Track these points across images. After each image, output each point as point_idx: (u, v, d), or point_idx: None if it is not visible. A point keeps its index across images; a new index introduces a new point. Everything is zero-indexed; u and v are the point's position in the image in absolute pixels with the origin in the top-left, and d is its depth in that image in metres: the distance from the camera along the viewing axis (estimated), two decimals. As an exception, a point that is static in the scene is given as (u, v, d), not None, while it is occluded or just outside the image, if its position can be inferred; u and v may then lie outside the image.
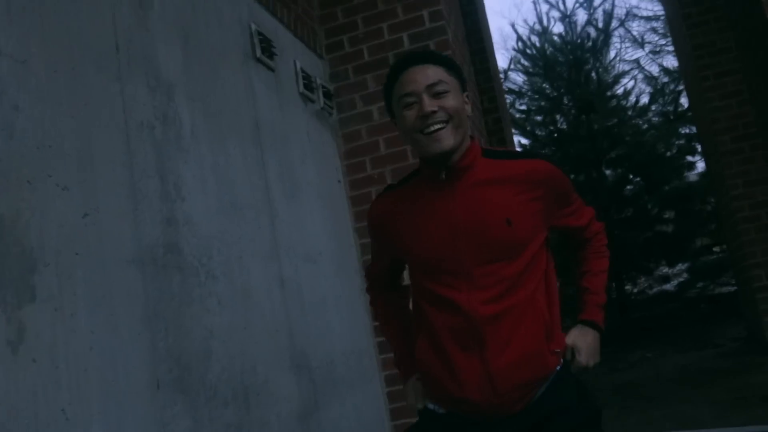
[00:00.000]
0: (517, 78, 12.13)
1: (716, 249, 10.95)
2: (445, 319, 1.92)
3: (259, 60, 3.62)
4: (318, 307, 3.66)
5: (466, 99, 1.98)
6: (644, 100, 11.49)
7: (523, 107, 11.60)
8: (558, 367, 1.96)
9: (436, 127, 1.86)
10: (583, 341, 2.05)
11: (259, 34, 3.65)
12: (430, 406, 2.06)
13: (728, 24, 6.90)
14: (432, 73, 1.89)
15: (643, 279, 11.25)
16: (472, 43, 7.30)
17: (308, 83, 4.21)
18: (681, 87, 10.31)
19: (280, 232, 3.42)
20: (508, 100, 11.81)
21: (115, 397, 2.08)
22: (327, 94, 4.50)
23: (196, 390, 2.48)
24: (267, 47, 3.71)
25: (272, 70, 3.78)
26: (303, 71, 4.17)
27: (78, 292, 2.02)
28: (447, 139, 1.86)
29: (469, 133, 1.96)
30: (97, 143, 2.25)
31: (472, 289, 1.88)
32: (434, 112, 1.85)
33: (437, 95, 1.87)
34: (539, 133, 11.21)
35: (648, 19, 11.55)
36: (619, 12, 13.25)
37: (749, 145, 6.87)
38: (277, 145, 3.62)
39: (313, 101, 4.29)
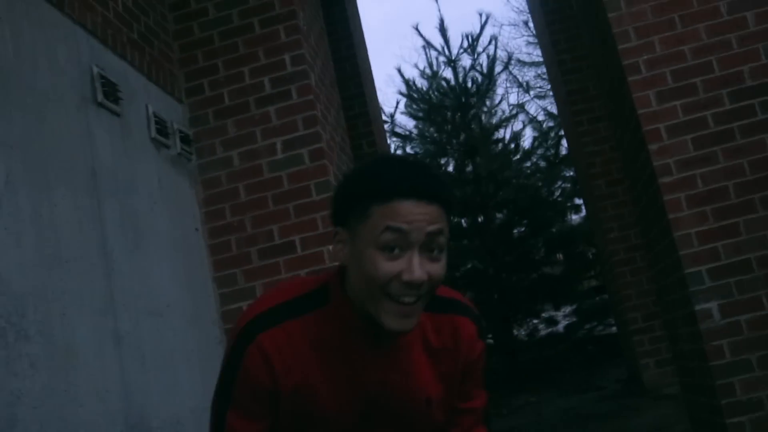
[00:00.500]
0: (408, 122, 12.24)
1: (602, 291, 11.19)
2: None
3: (101, 104, 3.47)
4: (163, 362, 3.49)
5: None
6: (527, 143, 11.76)
7: (412, 151, 11.68)
8: None
9: (411, 300, 1.35)
10: None
11: (102, 77, 3.51)
12: None
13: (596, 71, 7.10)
14: (437, 217, 1.35)
15: (533, 322, 11.37)
16: (351, 87, 7.31)
17: (162, 128, 4.07)
18: (562, 132, 10.57)
19: (118, 285, 3.25)
20: (396, 143, 11.89)
21: None
22: (185, 139, 4.37)
23: (-4, 463, 2.29)
24: (111, 91, 3.56)
25: (117, 114, 3.63)
26: (156, 116, 4.03)
27: None
28: (414, 318, 1.39)
29: None
30: None
31: None
32: (422, 284, 1.34)
33: (431, 253, 1.35)
34: (427, 177, 11.24)
35: (533, 64, 11.86)
36: (502, 56, 13.57)
37: (622, 189, 7.02)
38: (119, 193, 3.46)
39: (168, 147, 4.15)
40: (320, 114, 4.48)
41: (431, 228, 1.33)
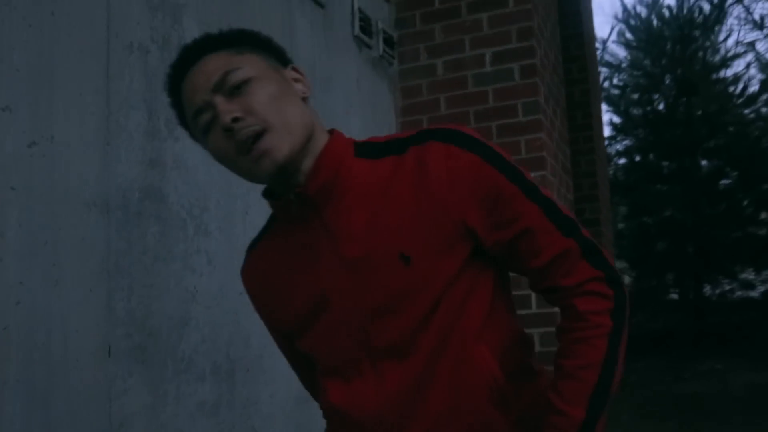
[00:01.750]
0: (619, 51, 11.46)
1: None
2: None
3: (305, -7, 3.25)
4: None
5: (294, 74, 1.31)
6: (754, 88, 10.64)
7: (620, 83, 10.92)
8: None
9: (248, 137, 1.18)
10: None
11: (309, -38, 3.28)
12: None
13: None
14: (214, 66, 1.22)
15: (725, 282, 10.54)
16: (567, 4, 6.78)
17: (366, 26, 3.82)
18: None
19: (305, 188, 3.07)
20: (605, 74, 11.17)
21: (45, 362, 1.77)
22: (388, 41, 4.11)
23: (162, 361, 2.17)
24: (318, -21, 3.33)
25: (321, 6, 3.40)
26: (361, 12, 3.78)
27: (8, 234, 1.71)
28: (275, 149, 1.19)
29: (318, 127, 1.28)
30: (62, 61, 1.92)
31: (370, 373, 1.27)
32: (237, 119, 1.18)
33: (234, 93, 1.20)
34: (634, 112, 10.54)
35: (771, 0, 10.68)
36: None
37: None
38: (315, 90, 3.23)
39: (369, 47, 3.90)
40: (536, 26, 4.08)
41: (213, 79, 1.20)
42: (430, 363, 1.23)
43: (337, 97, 3.46)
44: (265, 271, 1.39)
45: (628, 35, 10.61)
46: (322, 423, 1.43)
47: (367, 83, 3.83)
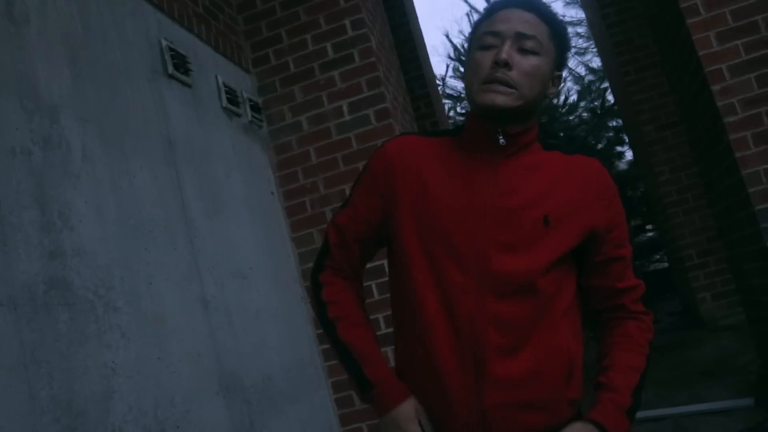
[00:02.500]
0: (457, 84, 11.79)
1: (648, 228, 10.67)
2: (441, 316, 1.37)
3: (171, 76, 3.17)
4: (250, 323, 3.23)
5: (554, 79, 1.46)
6: (573, 97, 11.17)
7: (462, 110, 11.24)
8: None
9: (500, 76, 1.35)
10: None
11: (171, 50, 3.21)
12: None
13: (645, 21, 6.64)
14: (532, 24, 1.39)
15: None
16: (406, 52, 6.94)
17: (232, 98, 3.77)
18: (606, 84, 10.02)
19: (201, 251, 2.98)
20: (448, 104, 11.46)
21: (-25, 464, 1.64)
22: (255, 107, 4.07)
23: (94, 437, 2.05)
24: (181, 63, 3.27)
25: (188, 86, 3.34)
26: (226, 86, 3.74)
27: None
28: (505, 96, 1.35)
29: (535, 115, 1.48)
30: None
31: (484, 286, 1.36)
32: (508, 65, 1.35)
33: (523, 52, 1.37)
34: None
35: (571, 24, 11.25)
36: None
37: (672, 133, 6.65)
38: (195, 162, 3.19)
39: (239, 115, 3.86)
40: (383, 75, 4.14)
41: (520, 27, 1.38)
42: (531, 318, 1.36)
43: (218, 164, 3.40)
44: (420, 154, 1.48)
45: (461, 69, 10.97)
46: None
47: (242, 147, 3.78)
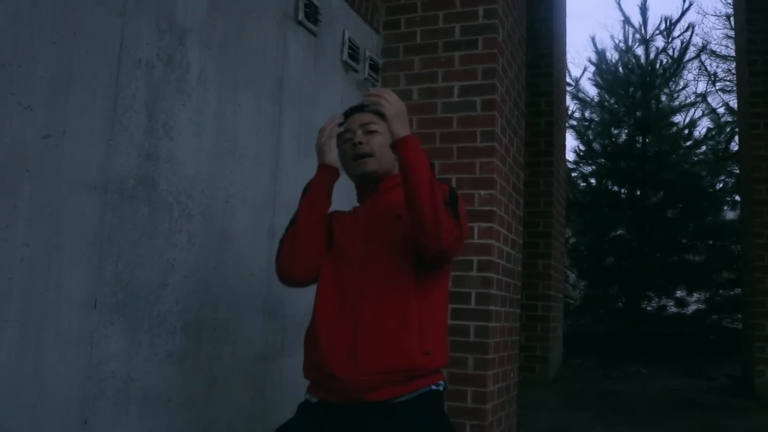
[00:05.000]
0: (590, 90, 11.67)
1: (738, 286, 10.39)
2: (329, 293, 2.04)
3: (300, 23, 3.44)
4: (308, 261, 3.51)
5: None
6: (701, 133, 10.87)
7: (587, 117, 11.12)
8: (432, 387, 1.93)
9: (360, 152, 2.02)
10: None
11: (307, -2, 3.47)
12: (306, 396, 2.04)
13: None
14: (366, 118, 2.04)
15: (664, 299, 10.73)
16: (542, 47, 6.99)
17: (354, 53, 4.02)
18: (737, 129, 9.71)
19: (283, 186, 3.28)
20: (576, 108, 11.36)
21: (39, 308, 1.99)
22: (374, 67, 4.31)
23: (140, 316, 2.39)
24: (312, 12, 3.53)
25: (314, 34, 3.60)
26: (351, 41, 3.98)
27: (19, 206, 1.92)
28: (366, 166, 2.03)
29: (392, 168, 2.07)
30: (79, 73, 2.13)
31: (356, 270, 1.98)
32: (361, 143, 2.01)
33: (366, 130, 2.03)
34: (596, 143, 10.76)
35: (726, 58, 10.84)
36: (697, 42, 12.46)
37: (781, 201, 6.45)
38: (301, 105, 3.46)
39: (356, 71, 4.11)
40: (500, 68, 4.28)
41: (360, 121, 2.05)
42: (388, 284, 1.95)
43: (322, 112, 3.66)
44: (340, 216, 2.16)
45: (599, 78, 10.82)
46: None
47: (350, 100, 4.01)
